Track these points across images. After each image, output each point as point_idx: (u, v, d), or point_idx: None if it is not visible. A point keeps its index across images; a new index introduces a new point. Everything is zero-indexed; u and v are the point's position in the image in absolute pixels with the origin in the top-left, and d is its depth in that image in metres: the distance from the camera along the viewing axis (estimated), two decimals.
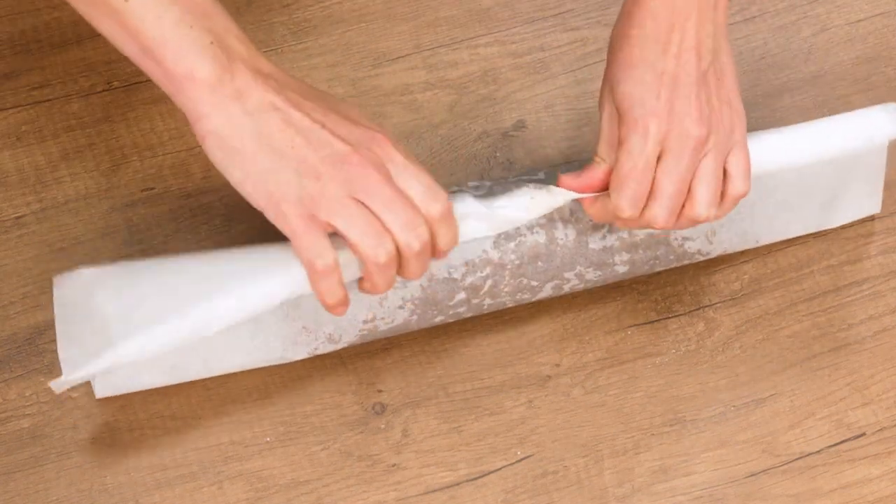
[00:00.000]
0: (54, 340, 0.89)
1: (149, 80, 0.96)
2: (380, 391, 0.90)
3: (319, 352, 0.89)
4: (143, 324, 0.82)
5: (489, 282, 0.88)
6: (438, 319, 0.89)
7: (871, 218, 0.97)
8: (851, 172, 0.93)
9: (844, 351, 0.92)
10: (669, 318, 0.93)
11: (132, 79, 0.99)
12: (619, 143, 0.83)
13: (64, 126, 0.97)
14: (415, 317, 0.89)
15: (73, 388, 0.88)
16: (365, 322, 0.88)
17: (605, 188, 0.85)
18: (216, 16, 0.77)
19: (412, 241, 0.79)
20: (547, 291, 0.91)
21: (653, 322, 0.93)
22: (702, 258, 0.94)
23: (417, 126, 0.99)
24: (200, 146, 0.79)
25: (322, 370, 0.90)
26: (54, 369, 0.89)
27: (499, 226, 0.85)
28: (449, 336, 0.92)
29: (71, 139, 0.97)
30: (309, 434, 0.88)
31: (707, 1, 0.82)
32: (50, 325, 0.90)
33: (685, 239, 0.91)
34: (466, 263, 0.88)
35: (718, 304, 0.93)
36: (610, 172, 0.84)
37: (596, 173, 0.85)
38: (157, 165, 0.96)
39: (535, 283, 0.89)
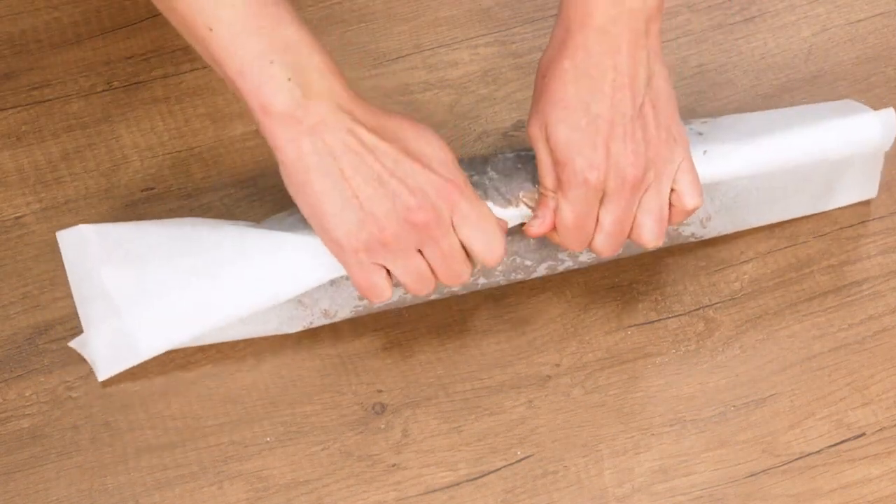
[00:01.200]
0: (54, 340, 0.90)
1: (149, 80, 0.98)
2: (380, 391, 0.90)
3: (315, 325, 0.89)
4: (159, 318, 0.84)
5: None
6: (433, 297, 0.90)
7: (871, 217, 0.97)
8: (849, 166, 0.94)
9: (844, 351, 0.92)
10: (669, 318, 0.93)
11: (132, 79, 0.99)
12: (560, 189, 0.84)
13: (64, 126, 0.97)
14: (409, 294, 0.89)
15: (72, 388, 0.89)
16: (360, 298, 0.88)
17: None
18: (302, 48, 0.78)
19: (453, 284, 0.84)
20: (541, 272, 0.90)
21: (653, 322, 0.93)
22: (695, 240, 0.94)
23: None
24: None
25: (322, 370, 0.90)
26: (54, 369, 0.89)
27: None
28: (449, 336, 0.92)
29: (71, 139, 0.97)
30: (309, 434, 0.88)
31: (638, 28, 0.81)
32: (50, 325, 0.90)
33: (679, 224, 0.91)
34: None
35: (718, 304, 0.93)
36: None
37: (552, 206, 0.85)
38: (157, 165, 0.96)
39: (528, 263, 0.89)
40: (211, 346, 0.90)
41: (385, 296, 0.82)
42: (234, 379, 0.90)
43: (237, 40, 0.77)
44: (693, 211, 0.85)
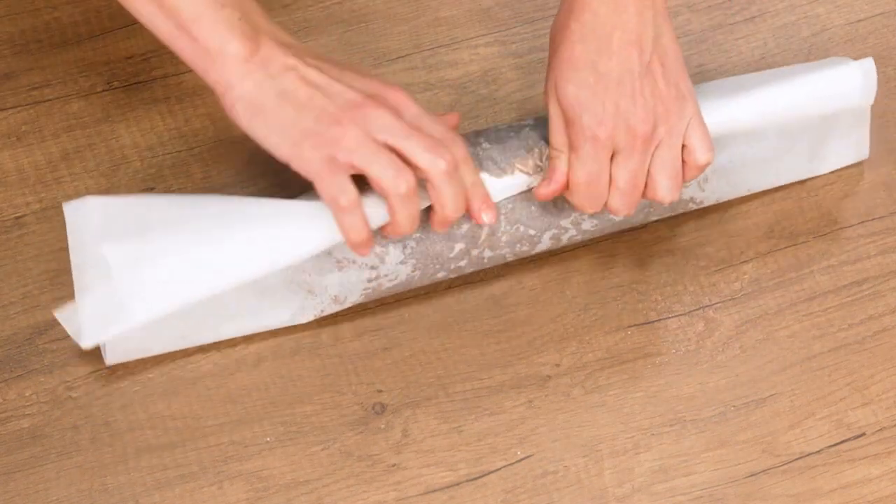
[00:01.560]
0: (54, 340, 0.90)
1: (149, 80, 0.98)
2: (380, 391, 0.90)
3: (326, 313, 0.90)
4: (153, 283, 0.84)
5: (486, 228, 0.88)
6: (441, 275, 0.90)
7: (871, 217, 0.97)
8: (837, 120, 0.94)
9: (844, 351, 0.92)
10: (669, 318, 0.93)
11: (132, 79, 0.99)
12: (571, 147, 0.86)
13: (64, 126, 0.97)
14: (417, 272, 0.89)
15: (72, 388, 0.89)
16: (369, 280, 0.88)
17: None
18: None
19: (436, 161, 0.82)
20: (546, 243, 0.91)
21: (653, 322, 0.93)
22: (695, 206, 0.94)
23: None
24: (230, 116, 0.84)
25: (322, 370, 0.90)
26: (54, 369, 0.89)
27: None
28: (449, 336, 0.92)
29: (71, 139, 0.97)
30: (309, 434, 0.88)
31: None
32: (50, 325, 0.90)
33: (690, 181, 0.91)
34: (466, 219, 0.88)
35: (718, 304, 0.93)
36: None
37: (562, 167, 0.87)
38: (157, 165, 0.96)
39: (532, 232, 0.90)
40: (211, 346, 0.90)
41: (350, 195, 0.82)
42: (234, 379, 0.90)
43: None
44: (705, 166, 0.87)
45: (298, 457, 0.87)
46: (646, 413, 0.90)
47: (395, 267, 0.88)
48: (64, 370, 0.89)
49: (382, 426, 0.88)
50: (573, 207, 0.89)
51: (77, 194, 0.95)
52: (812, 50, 1.03)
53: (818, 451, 0.89)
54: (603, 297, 0.93)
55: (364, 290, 0.89)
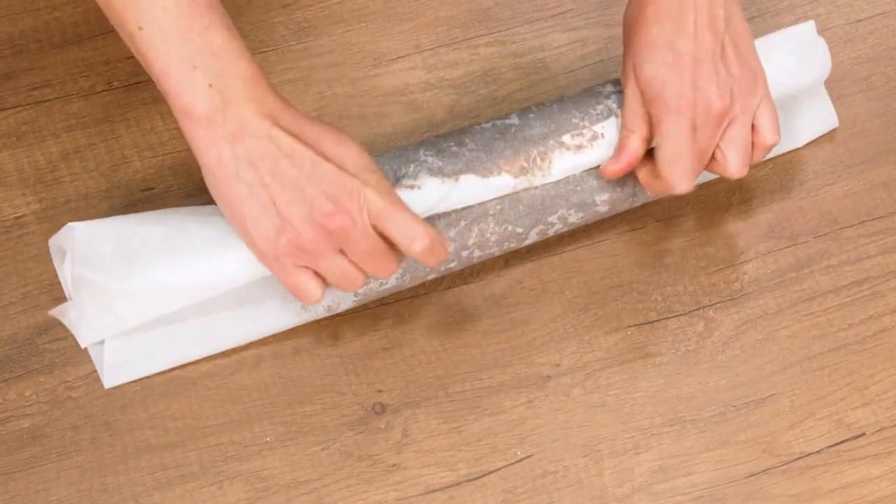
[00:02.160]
0: (54, 340, 0.90)
1: (149, 80, 0.98)
2: (380, 391, 0.90)
3: (319, 317, 0.90)
4: (141, 292, 0.85)
5: (475, 231, 0.89)
6: (431, 276, 0.90)
7: (871, 217, 0.97)
8: (798, 95, 0.96)
9: (844, 351, 0.92)
10: (669, 318, 0.93)
11: (132, 79, 0.99)
12: (655, 126, 0.88)
13: (64, 126, 0.97)
14: (407, 276, 0.89)
15: (72, 388, 0.89)
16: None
17: (640, 159, 0.89)
18: (227, 55, 0.80)
19: (384, 277, 0.85)
20: (532, 238, 0.91)
21: (653, 322, 0.93)
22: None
23: (417, 126, 0.99)
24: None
25: (322, 370, 0.90)
26: (54, 369, 0.89)
27: (457, 202, 0.88)
28: (449, 336, 0.92)
29: (71, 139, 0.97)
30: (309, 434, 0.88)
31: None
32: (50, 325, 0.90)
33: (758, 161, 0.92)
34: (447, 214, 0.88)
35: (718, 304, 0.93)
36: (643, 140, 0.89)
37: (633, 145, 0.89)
38: (157, 165, 0.96)
39: (520, 230, 0.90)
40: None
41: (316, 296, 0.83)
42: (233, 379, 0.89)
43: (165, 42, 0.79)
44: (772, 146, 0.89)
45: (298, 457, 0.87)
46: (646, 413, 0.90)
47: None
48: (64, 370, 0.89)
49: (382, 426, 0.88)
50: (663, 185, 0.89)
51: (77, 194, 0.95)
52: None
53: (818, 451, 0.89)
54: (603, 298, 0.93)
55: (355, 296, 0.89)
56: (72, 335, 0.89)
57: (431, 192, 0.87)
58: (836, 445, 0.89)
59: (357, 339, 0.91)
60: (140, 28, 0.79)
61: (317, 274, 0.83)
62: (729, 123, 0.88)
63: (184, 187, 0.95)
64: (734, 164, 0.88)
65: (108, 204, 0.94)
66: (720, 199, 0.97)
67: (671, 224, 0.96)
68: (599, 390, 0.90)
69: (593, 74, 1.01)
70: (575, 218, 0.92)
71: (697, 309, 0.93)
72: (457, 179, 0.88)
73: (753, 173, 0.98)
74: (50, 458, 0.86)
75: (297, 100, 0.99)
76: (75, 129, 0.97)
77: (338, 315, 0.92)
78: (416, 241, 0.83)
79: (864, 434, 0.90)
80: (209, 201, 0.94)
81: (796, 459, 0.89)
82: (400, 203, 0.83)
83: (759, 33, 1.01)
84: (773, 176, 0.98)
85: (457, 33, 1.02)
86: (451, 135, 0.90)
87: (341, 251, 0.83)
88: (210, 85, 0.79)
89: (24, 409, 0.88)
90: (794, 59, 0.94)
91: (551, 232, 0.92)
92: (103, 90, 0.98)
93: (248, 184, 0.80)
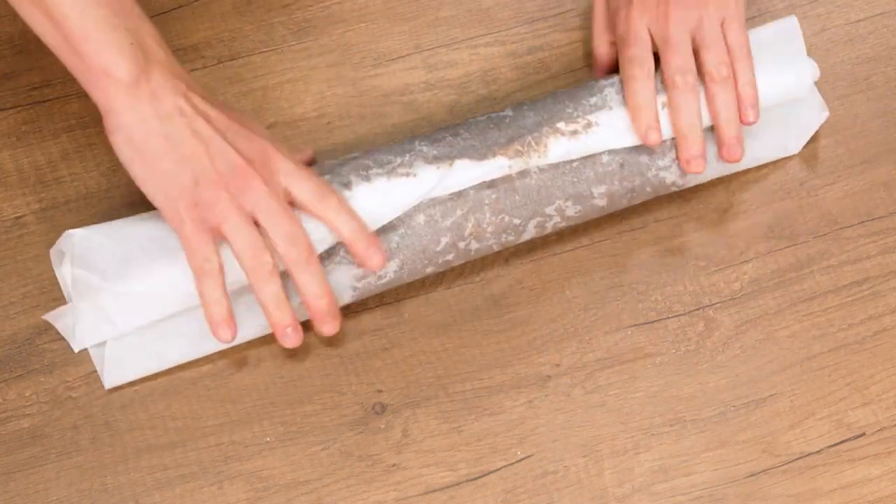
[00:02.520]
0: (54, 340, 0.90)
1: None
2: (380, 391, 0.90)
3: None
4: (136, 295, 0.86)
5: (471, 220, 0.89)
6: (429, 270, 0.90)
7: (871, 217, 0.97)
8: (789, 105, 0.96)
9: (844, 351, 0.92)
10: (669, 318, 0.93)
11: None
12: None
13: (64, 126, 0.97)
14: (405, 269, 0.89)
15: (72, 388, 0.89)
16: (357, 279, 0.89)
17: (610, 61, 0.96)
18: (138, 18, 0.83)
19: (292, 253, 0.84)
20: (531, 231, 0.91)
21: (653, 322, 0.93)
22: (677, 189, 0.95)
23: (417, 126, 0.99)
24: (109, 140, 0.83)
25: (322, 370, 0.90)
26: (55, 369, 0.89)
27: (453, 185, 0.88)
28: (449, 336, 0.92)
29: (71, 139, 0.96)
30: (309, 434, 0.88)
31: None
32: (50, 325, 0.90)
33: (659, 169, 0.92)
34: (442, 203, 0.88)
35: (718, 304, 0.93)
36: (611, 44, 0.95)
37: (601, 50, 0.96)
38: None
39: (517, 221, 0.90)
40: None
41: (213, 264, 0.83)
42: (233, 379, 0.89)
43: (80, 5, 0.81)
44: (744, 46, 0.92)
45: (298, 457, 0.87)
46: (646, 413, 0.90)
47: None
48: (64, 370, 0.89)
49: (382, 426, 0.88)
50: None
51: (77, 194, 0.95)
52: (812, 50, 1.02)
53: (818, 451, 0.89)
54: (603, 298, 0.93)
55: (353, 289, 0.89)
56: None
57: (426, 179, 0.88)
58: (836, 445, 0.89)
59: (357, 339, 0.91)
60: None
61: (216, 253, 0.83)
62: (696, 26, 0.91)
63: None
64: (710, 62, 0.90)
65: (108, 204, 0.94)
66: (720, 199, 0.97)
67: (671, 224, 0.96)
68: (599, 390, 0.90)
69: (593, 74, 1.01)
70: (572, 211, 0.92)
71: (697, 309, 0.93)
72: (451, 164, 0.88)
73: (754, 172, 0.98)
74: (50, 458, 0.86)
75: (297, 100, 0.99)
76: (75, 129, 0.97)
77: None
78: (326, 200, 0.84)
79: (864, 434, 0.89)
80: None
81: (796, 459, 0.88)
82: (307, 168, 0.85)
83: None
84: (773, 176, 0.98)
85: (457, 33, 1.02)
86: (446, 127, 0.91)
87: (253, 220, 0.83)
88: (131, 43, 0.81)
89: (24, 409, 0.88)
90: (783, 78, 0.94)
91: (549, 226, 0.92)
92: None
93: (168, 138, 0.82)
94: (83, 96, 0.95)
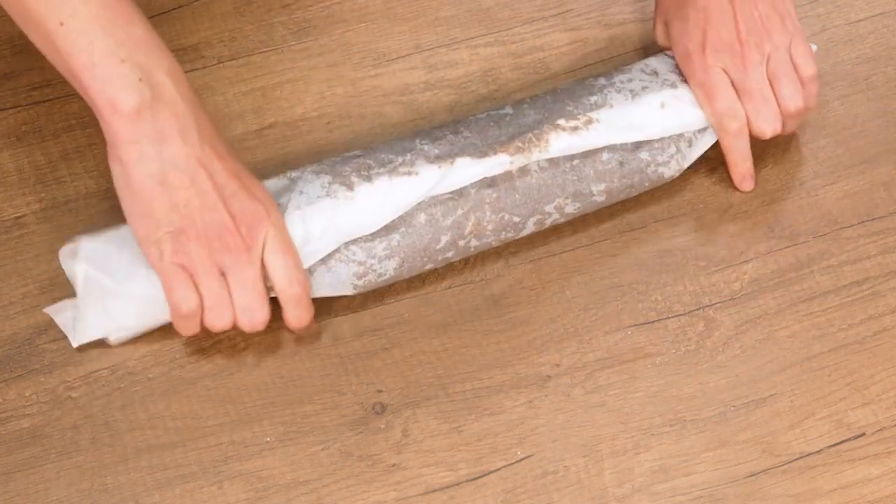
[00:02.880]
0: (54, 340, 0.90)
1: None
2: (380, 391, 0.89)
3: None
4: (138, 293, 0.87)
5: (472, 219, 0.89)
6: (429, 266, 0.91)
7: (871, 217, 0.97)
8: None
9: (844, 351, 0.92)
10: (669, 318, 0.93)
11: None
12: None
13: (64, 126, 0.97)
14: (405, 266, 0.89)
15: (72, 388, 0.89)
16: (357, 277, 0.89)
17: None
18: (152, 49, 0.80)
19: (244, 322, 0.86)
20: (530, 228, 0.92)
21: (653, 322, 0.93)
22: (673, 179, 0.96)
23: (417, 126, 0.98)
24: (109, 164, 0.83)
25: (322, 370, 0.90)
26: (54, 369, 0.89)
27: (455, 183, 0.88)
28: (449, 336, 0.92)
29: (71, 139, 0.96)
30: (309, 434, 0.88)
31: None
32: (50, 325, 0.90)
33: (658, 165, 0.93)
34: (443, 202, 0.89)
35: (718, 304, 0.93)
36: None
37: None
38: None
39: (517, 219, 0.91)
40: (211, 346, 0.90)
41: (191, 301, 0.84)
42: (233, 379, 0.89)
43: (87, 35, 0.78)
44: (813, 77, 0.94)
45: (298, 457, 0.87)
46: (646, 413, 0.89)
47: (382, 262, 0.89)
48: (64, 370, 0.89)
49: (382, 426, 0.88)
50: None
51: (77, 194, 0.95)
52: None
53: (818, 451, 0.89)
54: (603, 298, 0.93)
55: (354, 286, 0.89)
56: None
57: (427, 177, 0.88)
58: (836, 445, 0.89)
59: (357, 339, 0.91)
60: (61, 23, 0.78)
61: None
62: (767, 60, 0.92)
63: None
64: (786, 96, 0.92)
65: (108, 204, 0.94)
66: (720, 199, 0.97)
67: (671, 224, 0.96)
68: (599, 390, 0.90)
69: (594, 74, 1.00)
70: (572, 208, 0.92)
71: (697, 309, 0.93)
72: (452, 162, 0.88)
73: (755, 172, 0.98)
74: (50, 458, 0.86)
75: (297, 100, 0.99)
76: (75, 128, 0.97)
77: (338, 313, 0.92)
78: (293, 286, 0.86)
79: (864, 434, 0.89)
80: None
81: (796, 459, 0.88)
82: (293, 246, 0.86)
83: None
84: (773, 176, 0.98)
85: (457, 33, 1.02)
86: (446, 125, 0.91)
87: (224, 276, 0.84)
88: (140, 79, 0.79)
89: (24, 409, 0.88)
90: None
91: (548, 222, 0.92)
92: None
93: (164, 184, 0.81)
94: None
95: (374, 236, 0.88)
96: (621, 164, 0.92)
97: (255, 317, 0.86)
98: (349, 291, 0.90)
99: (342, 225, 0.87)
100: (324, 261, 0.88)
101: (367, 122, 0.98)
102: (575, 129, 0.90)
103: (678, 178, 0.96)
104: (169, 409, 0.88)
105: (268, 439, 0.88)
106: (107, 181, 0.95)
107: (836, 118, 1.00)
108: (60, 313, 0.88)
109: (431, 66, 1.01)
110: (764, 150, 0.98)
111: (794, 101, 0.93)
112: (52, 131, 0.97)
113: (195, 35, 1.01)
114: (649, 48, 1.02)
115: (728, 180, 0.98)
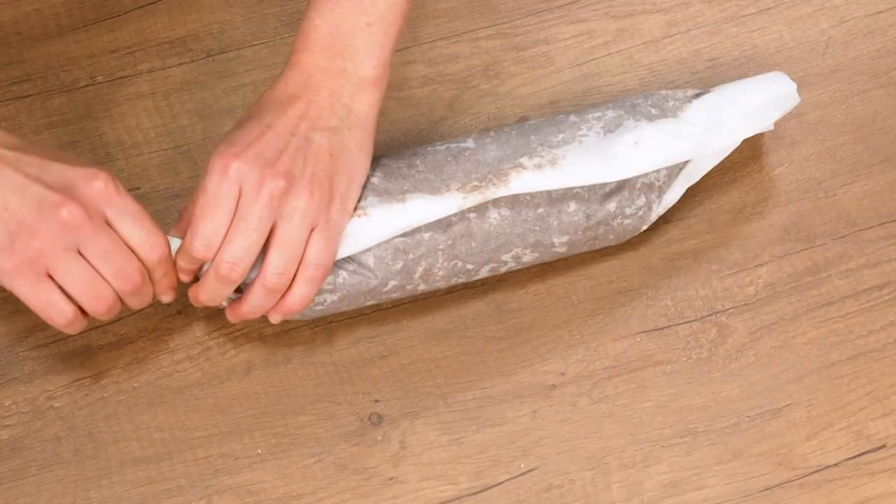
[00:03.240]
0: (35, 348, 0.90)
1: (134, 75, 0.99)
2: (376, 401, 0.89)
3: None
4: None
5: (422, 265, 0.88)
6: (370, 302, 0.90)
7: (891, 219, 0.96)
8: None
9: (864, 359, 0.91)
10: (680, 324, 0.92)
11: (116, 73, 0.99)
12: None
13: (45, 123, 0.97)
14: (345, 302, 0.88)
15: (54, 398, 0.88)
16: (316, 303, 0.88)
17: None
18: None
19: (124, 286, 0.82)
20: (483, 274, 0.91)
21: (663, 328, 0.92)
22: (636, 234, 0.93)
23: (416, 123, 0.98)
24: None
25: (316, 379, 0.90)
26: (35, 378, 0.89)
27: (407, 224, 0.87)
28: (449, 343, 0.91)
29: (53, 136, 0.96)
30: (302, 446, 0.87)
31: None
32: (31, 332, 0.90)
33: (625, 218, 0.91)
34: (394, 246, 0.87)
35: (732, 310, 0.92)
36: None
37: None
38: (143, 164, 0.95)
39: (470, 267, 0.90)
40: (199, 354, 0.90)
41: (65, 312, 0.81)
42: (223, 388, 0.89)
43: None
44: (321, 269, 0.86)
45: (291, 470, 0.87)
46: (655, 424, 0.89)
47: (322, 294, 0.87)
48: (45, 379, 0.89)
49: (379, 438, 0.88)
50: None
51: None
52: (830, 43, 1.02)
53: (836, 464, 0.88)
54: (611, 303, 0.92)
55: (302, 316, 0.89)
56: (53, 343, 0.89)
57: (380, 220, 0.86)
58: (856, 458, 0.88)
59: (353, 347, 0.90)
60: None
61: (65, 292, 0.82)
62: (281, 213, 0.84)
63: (170, 187, 0.95)
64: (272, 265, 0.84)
65: None
66: (733, 200, 0.96)
67: (682, 226, 0.95)
68: (607, 400, 0.89)
69: (600, 68, 1.00)
70: (530, 258, 0.91)
71: (710, 315, 0.92)
72: (403, 200, 0.87)
73: (768, 171, 0.97)
74: (30, 471, 0.86)
75: None
76: (57, 125, 0.97)
77: (332, 320, 0.91)
78: (154, 248, 0.82)
79: (884, 446, 0.89)
80: None
81: (813, 472, 0.88)
82: (140, 207, 0.82)
83: (774, 25, 1.03)
84: (789, 174, 0.98)
85: (457, 25, 1.02)
86: (402, 156, 0.90)
87: (80, 254, 0.81)
88: None
89: (3, 420, 0.87)
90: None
91: (503, 270, 0.91)
92: (86, 85, 0.98)
93: None
94: (65, 91, 0.99)
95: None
96: (588, 216, 0.90)
97: (131, 276, 0.81)
98: (274, 320, 0.88)
99: None
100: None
101: None
102: (539, 166, 0.89)
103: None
104: (155, 420, 0.88)
105: (259, 451, 0.87)
106: None
107: (856, 114, 0.99)
108: None
109: (431, 60, 1.00)
110: (778, 148, 0.98)
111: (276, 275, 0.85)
112: (33, 128, 0.96)
113: (183, 27, 1.00)
114: (658, 41, 1.02)
115: (741, 179, 0.97)
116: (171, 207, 0.93)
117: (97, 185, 0.81)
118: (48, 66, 0.98)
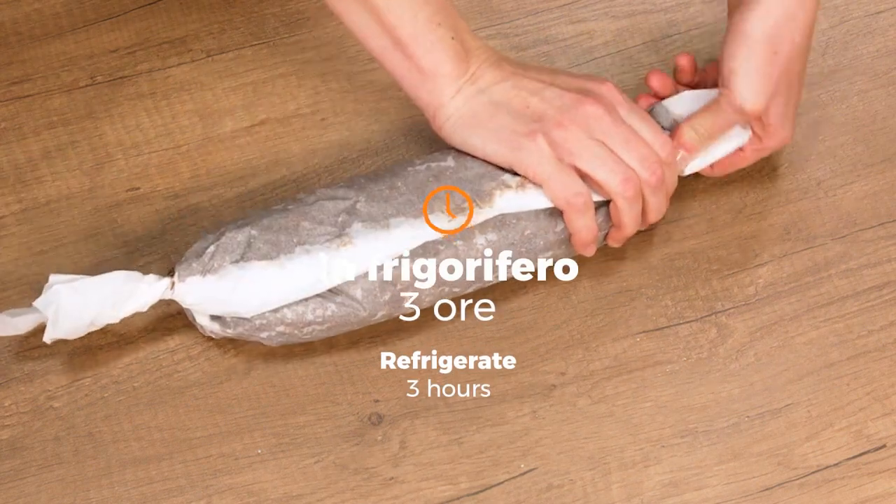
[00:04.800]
0: (35, 348, 0.90)
1: (134, 75, 0.99)
2: (376, 401, 0.89)
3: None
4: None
5: (411, 295, 0.88)
6: (357, 327, 0.89)
7: (891, 219, 0.96)
8: None
9: (864, 359, 0.91)
10: (680, 324, 0.92)
11: (116, 73, 0.99)
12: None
13: (45, 123, 0.97)
14: (333, 331, 0.88)
15: (53, 398, 0.88)
16: (280, 335, 0.87)
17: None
18: (453, 11, 0.90)
19: (649, 175, 0.88)
20: (469, 291, 0.91)
21: (663, 328, 0.92)
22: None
23: (416, 123, 0.97)
24: (440, 135, 0.90)
25: (316, 379, 0.89)
26: (35, 378, 0.89)
27: (393, 252, 0.87)
28: (449, 343, 0.91)
29: (52, 136, 0.96)
30: (302, 446, 0.87)
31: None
32: (31, 332, 0.89)
33: (604, 231, 0.92)
34: (381, 276, 0.87)
35: (732, 310, 0.92)
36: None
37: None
38: (142, 164, 0.95)
39: (457, 290, 0.90)
40: (199, 354, 0.90)
41: (583, 194, 0.87)
42: (223, 388, 0.89)
43: (412, 7, 0.88)
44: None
45: (291, 470, 0.87)
46: (655, 424, 0.89)
47: (310, 326, 0.87)
48: (45, 379, 0.89)
49: (379, 438, 0.87)
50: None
51: (59, 194, 0.95)
52: (830, 43, 1.02)
53: (836, 464, 0.88)
54: (611, 303, 0.92)
55: (269, 337, 0.88)
56: (53, 343, 0.89)
57: (365, 250, 0.86)
58: (856, 458, 0.88)
59: (352, 347, 0.90)
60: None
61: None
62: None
63: (170, 187, 0.95)
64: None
65: (91, 205, 0.94)
66: (733, 200, 0.96)
67: (682, 226, 0.95)
68: (607, 400, 0.89)
69: (600, 69, 1.00)
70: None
71: (710, 314, 0.92)
72: (388, 226, 0.87)
73: (769, 171, 0.97)
74: (30, 472, 0.86)
75: (290, 95, 0.99)
76: (57, 125, 0.97)
77: None
78: (665, 144, 0.88)
79: (884, 446, 0.89)
80: (196, 201, 0.95)
81: (813, 473, 0.88)
82: (636, 105, 0.90)
83: None
84: (789, 175, 0.97)
85: None
86: (382, 178, 0.89)
87: (603, 144, 0.88)
88: (452, 38, 0.89)
89: (3, 420, 0.87)
90: None
91: (489, 284, 0.91)
92: (86, 85, 0.98)
93: (496, 105, 0.88)
94: (65, 91, 0.98)
95: (307, 300, 0.87)
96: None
97: (654, 166, 0.87)
98: (266, 342, 0.88)
99: (272, 294, 0.86)
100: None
101: (364, 119, 0.98)
102: (521, 185, 0.89)
103: (687, 177, 0.96)
104: (155, 420, 0.88)
105: (259, 451, 0.87)
106: (90, 180, 0.95)
107: (855, 114, 0.99)
108: (47, 307, 0.86)
109: None
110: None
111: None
112: (33, 128, 0.96)
113: (183, 27, 1.00)
114: (658, 41, 1.02)
115: (740, 179, 0.97)
116: (170, 207, 0.93)
117: (607, 87, 0.89)
118: (48, 65, 0.98)
